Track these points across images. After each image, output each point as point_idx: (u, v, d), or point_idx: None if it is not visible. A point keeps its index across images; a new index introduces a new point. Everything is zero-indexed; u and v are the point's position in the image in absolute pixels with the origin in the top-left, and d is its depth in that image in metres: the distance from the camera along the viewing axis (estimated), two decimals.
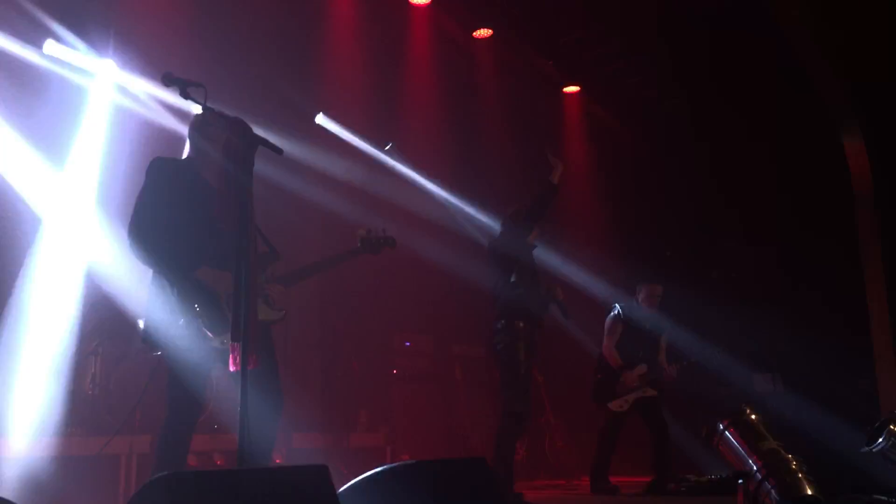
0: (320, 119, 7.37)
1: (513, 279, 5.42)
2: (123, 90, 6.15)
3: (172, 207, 3.21)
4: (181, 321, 3.08)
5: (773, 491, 3.73)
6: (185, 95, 2.88)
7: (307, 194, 6.59)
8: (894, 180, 6.80)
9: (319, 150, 7.04)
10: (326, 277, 4.44)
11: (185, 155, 3.51)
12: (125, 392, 5.22)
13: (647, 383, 6.02)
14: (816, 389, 6.35)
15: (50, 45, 5.66)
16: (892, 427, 4.18)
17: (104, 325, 5.54)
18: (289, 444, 5.94)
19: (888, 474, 4.46)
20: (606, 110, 9.08)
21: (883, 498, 4.25)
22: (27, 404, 4.81)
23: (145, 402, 5.00)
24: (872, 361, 6.65)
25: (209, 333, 3.10)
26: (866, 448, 4.23)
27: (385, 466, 2.88)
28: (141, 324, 3.24)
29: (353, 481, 2.88)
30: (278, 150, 2.93)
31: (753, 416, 4.09)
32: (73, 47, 5.78)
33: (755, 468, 3.84)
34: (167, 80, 2.88)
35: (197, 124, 3.38)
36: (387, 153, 7.70)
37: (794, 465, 3.78)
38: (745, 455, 3.94)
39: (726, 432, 4.06)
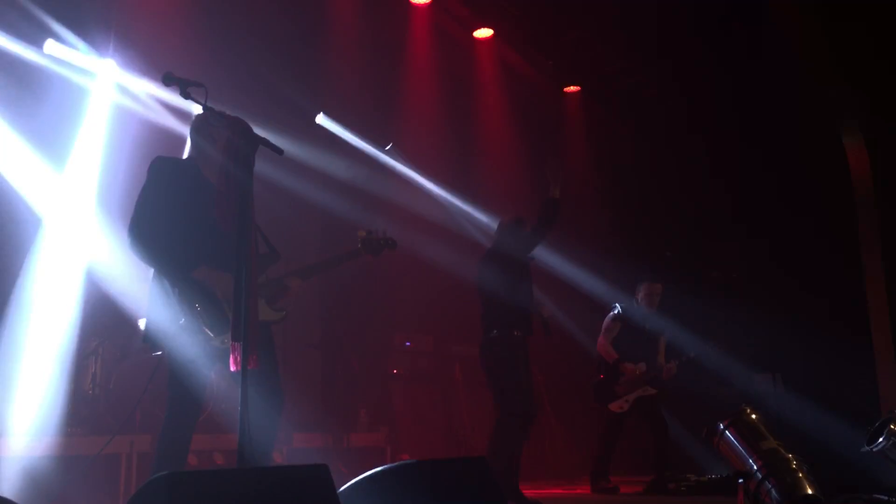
0: (320, 119, 7.37)
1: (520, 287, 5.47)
2: (123, 90, 6.15)
3: (173, 207, 3.21)
4: (182, 320, 3.08)
5: (773, 490, 3.73)
6: (186, 95, 2.88)
7: (307, 194, 6.59)
8: (894, 180, 6.80)
9: (319, 150, 7.04)
10: (327, 278, 4.45)
11: (185, 155, 3.51)
12: (125, 392, 5.22)
13: (647, 381, 6.02)
14: (816, 389, 6.35)
15: (50, 45, 5.66)
16: (892, 427, 4.18)
17: (104, 325, 5.55)
18: (289, 444, 5.94)
19: (888, 474, 4.47)
20: (606, 110, 9.08)
21: (883, 498, 4.25)
22: (27, 404, 4.81)
23: (145, 402, 5.00)
24: (872, 361, 6.65)
25: (210, 333, 3.10)
26: (866, 448, 4.23)
27: (385, 466, 2.88)
28: (141, 324, 3.25)
29: (353, 481, 2.88)
30: (278, 150, 2.93)
31: (753, 416, 4.09)
32: (73, 47, 5.78)
33: (755, 468, 3.84)
34: (167, 80, 2.88)
35: (197, 124, 3.39)
36: (387, 153, 7.71)
37: (794, 464, 3.78)
38: (746, 455, 3.94)
39: (726, 432, 4.07)
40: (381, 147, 7.70)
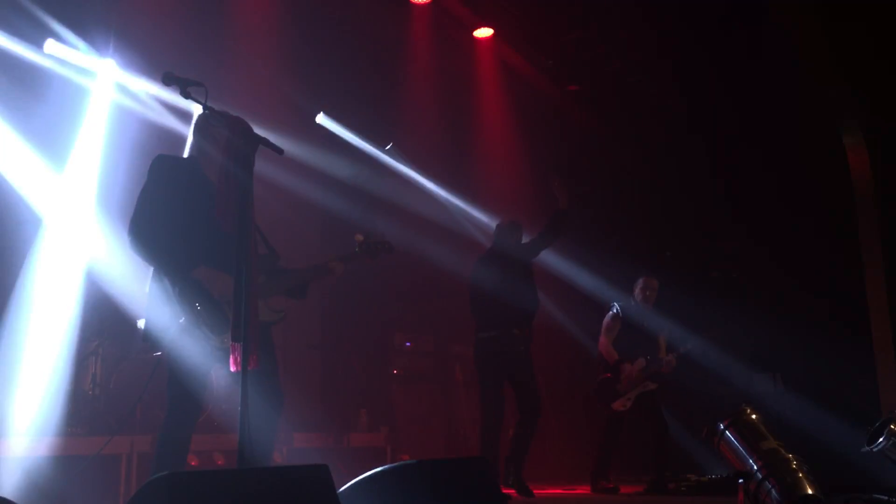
0: (320, 119, 7.37)
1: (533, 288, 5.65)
2: (123, 90, 6.15)
3: (174, 205, 3.21)
4: (182, 319, 3.08)
5: (773, 491, 3.73)
6: (186, 95, 2.88)
7: (307, 194, 6.59)
8: (894, 180, 6.81)
9: (319, 150, 7.04)
10: (327, 278, 4.45)
11: (186, 154, 3.50)
12: (125, 392, 5.23)
13: (648, 377, 6.00)
14: (816, 389, 6.35)
15: (50, 45, 5.66)
16: (892, 427, 4.18)
17: (104, 325, 5.55)
18: (289, 444, 5.94)
19: (888, 474, 4.46)
20: (606, 110, 9.07)
21: (883, 497, 4.25)
22: (27, 404, 4.81)
23: (145, 402, 5.01)
24: (872, 361, 6.65)
25: (210, 332, 3.10)
26: (866, 448, 4.23)
27: (385, 466, 2.89)
28: (141, 324, 3.24)
29: (353, 481, 2.88)
30: (278, 150, 2.93)
31: (753, 416, 4.09)
32: (73, 47, 5.78)
33: (755, 468, 3.84)
34: (167, 80, 2.87)
35: (198, 124, 3.38)
36: (387, 153, 7.71)
37: (794, 464, 3.78)
38: (746, 455, 3.93)
39: (726, 432, 4.06)
40: (381, 147, 7.71)
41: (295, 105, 7.01)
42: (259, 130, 2.93)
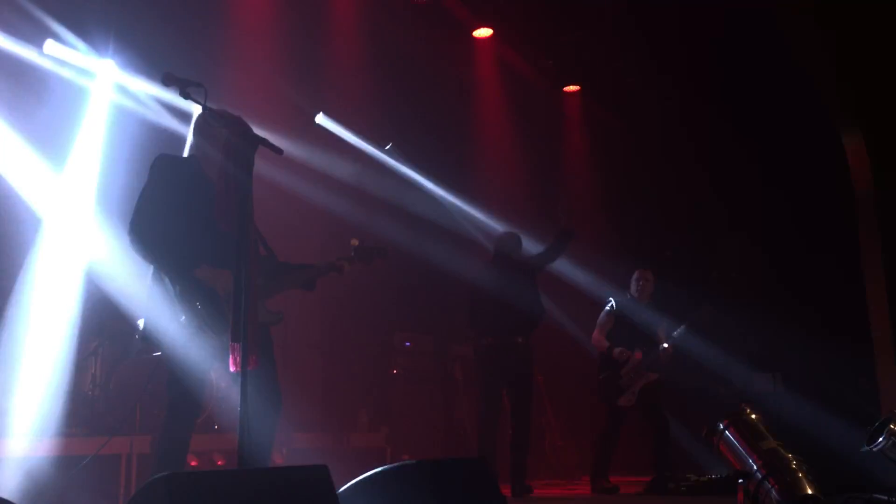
0: (320, 119, 7.37)
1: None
2: (123, 90, 6.15)
3: (175, 205, 3.21)
4: (182, 318, 3.08)
5: (773, 490, 3.73)
6: (185, 95, 2.88)
7: (307, 194, 6.59)
8: (894, 180, 6.81)
9: (319, 150, 7.04)
10: (327, 277, 4.45)
11: (186, 153, 3.50)
12: (125, 392, 5.22)
13: (647, 367, 5.98)
14: (816, 389, 6.35)
15: (50, 45, 5.66)
16: (892, 426, 4.18)
17: (104, 325, 5.54)
18: (289, 444, 5.94)
19: (888, 474, 4.46)
20: (606, 110, 9.08)
21: (883, 497, 4.25)
22: (27, 404, 4.81)
23: (145, 403, 5.00)
24: (872, 361, 6.65)
25: (210, 332, 3.10)
26: (866, 448, 4.23)
27: (385, 466, 2.88)
28: (141, 323, 3.24)
29: (353, 481, 2.88)
30: (278, 151, 2.93)
31: (753, 416, 4.09)
32: (73, 47, 5.78)
33: (755, 468, 3.83)
34: (167, 80, 2.87)
35: (198, 124, 3.38)
36: (387, 153, 7.71)
37: (794, 464, 3.78)
38: (745, 454, 3.93)
39: (726, 432, 4.06)
40: (381, 147, 7.70)
41: (295, 105, 7.01)
42: (259, 130, 2.93)
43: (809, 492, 3.67)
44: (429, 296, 7.98)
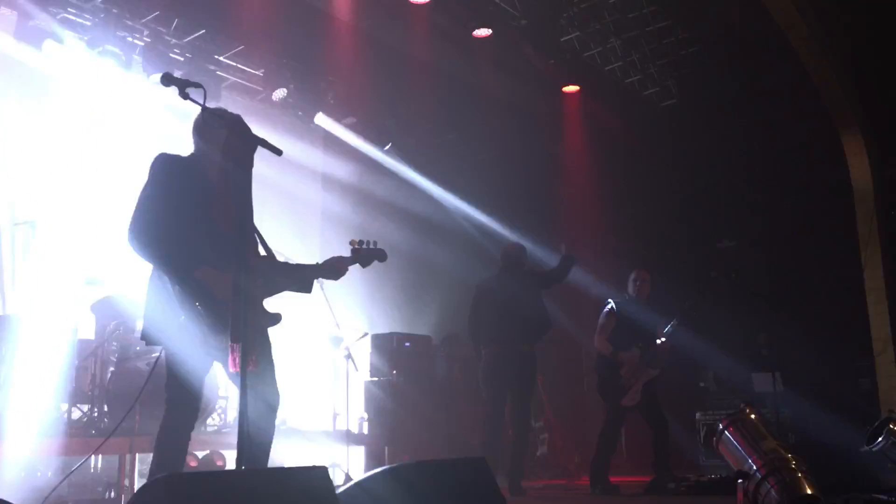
0: (320, 119, 7.37)
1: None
2: (123, 90, 6.16)
3: (175, 204, 3.20)
4: (182, 317, 3.07)
5: (772, 490, 3.72)
6: (185, 96, 2.87)
7: (308, 195, 6.60)
8: (894, 180, 6.81)
9: (319, 150, 7.05)
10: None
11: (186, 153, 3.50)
12: (125, 392, 5.22)
13: (647, 363, 5.97)
14: (816, 389, 6.35)
15: (50, 45, 5.67)
16: (891, 426, 4.19)
17: (104, 326, 5.54)
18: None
19: (888, 474, 4.47)
20: (606, 110, 9.08)
21: (883, 497, 4.25)
22: (27, 404, 4.81)
23: (145, 402, 5.00)
24: (872, 361, 6.66)
25: (209, 332, 3.09)
26: (866, 447, 4.23)
27: (385, 466, 2.89)
28: (140, 324, 3.24)
29: (353, 481, 2.88)
30: (277, 151, 2.92)
31: (753, 416, 4.08)
32: (73, 47, 5.78)
33: (755, 468, 3.83)
34: (167, 81, 2.87)
35: (198, 124, 3.38)
36: (387, 153, 7.71)
37: (793, 464, 3.78)
38: (745, 454, 3.93)
39: (726, 432, 4.06)
40: (381, 147, 7.71)
41: (295, 105, 7.01)
42: (259, 131, 2.93)
43: (809, 492, 3.67)
44: (429, 296, 7.99)
